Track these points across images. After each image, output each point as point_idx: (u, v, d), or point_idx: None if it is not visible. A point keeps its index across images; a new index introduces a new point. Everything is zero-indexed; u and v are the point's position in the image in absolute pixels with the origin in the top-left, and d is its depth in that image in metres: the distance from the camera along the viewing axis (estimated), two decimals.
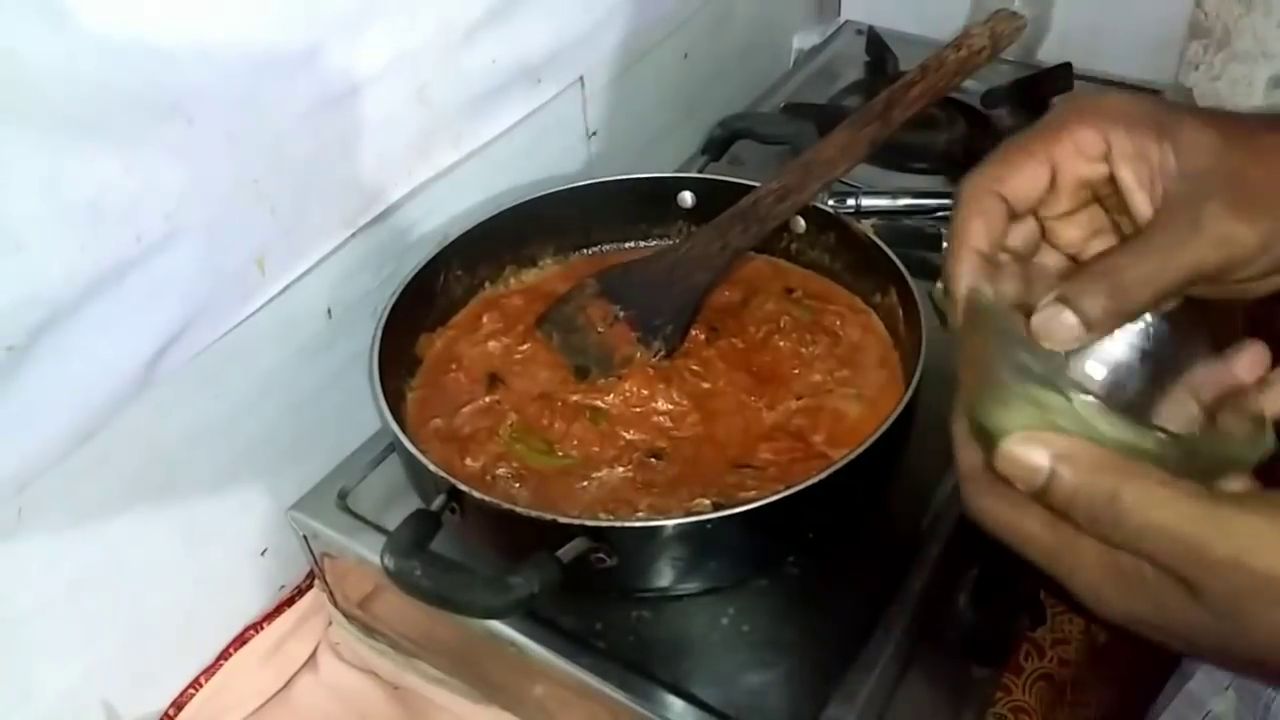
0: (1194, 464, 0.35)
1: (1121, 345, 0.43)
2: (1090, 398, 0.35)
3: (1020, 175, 0.42)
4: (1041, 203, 0.42)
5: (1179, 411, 0.41)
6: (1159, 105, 0.40)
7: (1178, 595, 0.33)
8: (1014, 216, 0.42)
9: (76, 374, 0.52)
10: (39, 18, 0.44)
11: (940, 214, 0.84)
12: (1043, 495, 0.35)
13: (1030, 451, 0.35)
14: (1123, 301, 0.39)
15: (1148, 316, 0.41)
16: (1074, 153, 0.41)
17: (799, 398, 0.66)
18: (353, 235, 0.66)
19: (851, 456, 0.54)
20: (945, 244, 0.43)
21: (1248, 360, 0.40)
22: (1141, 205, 0.40)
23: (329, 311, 0.67)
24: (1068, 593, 0.36)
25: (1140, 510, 0.33)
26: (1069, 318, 0.39)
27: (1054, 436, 0.35)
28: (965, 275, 0.41)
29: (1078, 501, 0.34)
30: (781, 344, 0.69)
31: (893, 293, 0.69)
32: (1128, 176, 0.40)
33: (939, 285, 0.45)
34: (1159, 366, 0.42)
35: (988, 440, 0.38)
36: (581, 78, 0.81)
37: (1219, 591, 0.32)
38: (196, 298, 0.57)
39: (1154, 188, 0.40)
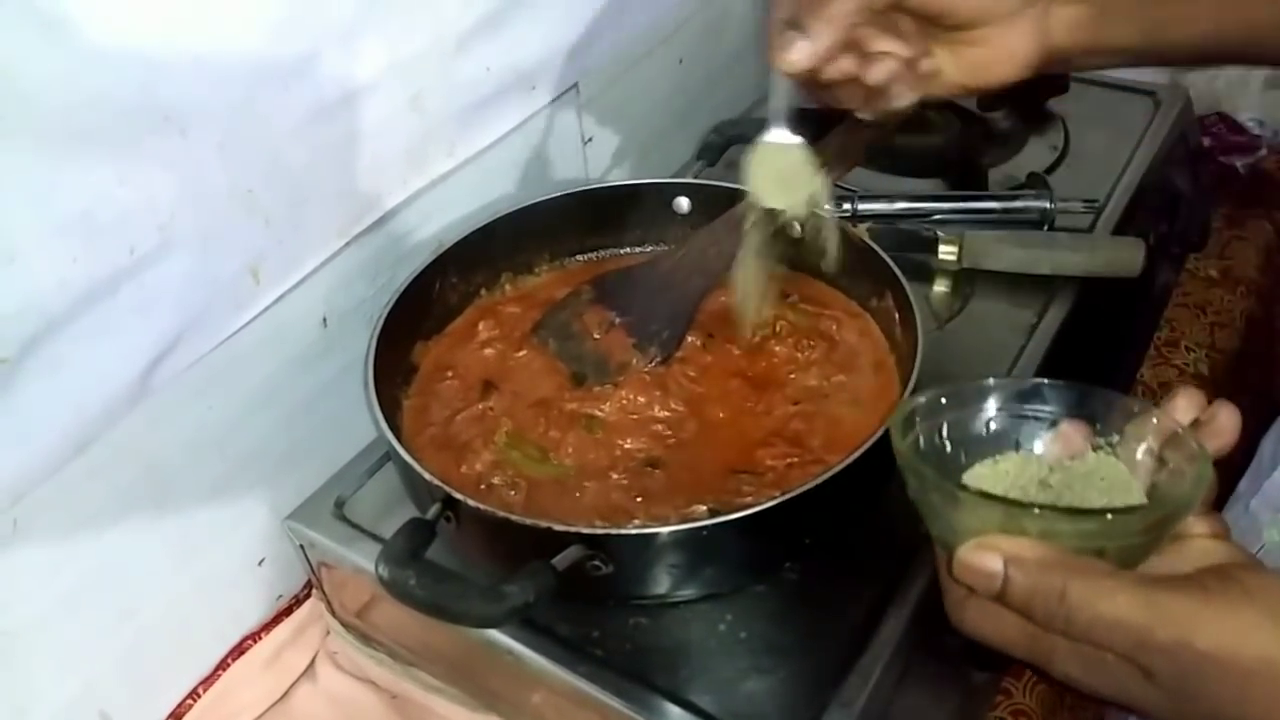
0: (1152, 517, 0.39)
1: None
2: (1035, 509, 0.39)
3: None
4: None
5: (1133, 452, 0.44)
6: None
7: (1135, 677, 0.36)
8: None
9: (70, 386, 0.52)
10: (33, 29, 0.44)
11: (937, 218, 0.84)
12: (1002, 598, 0.38)
13: (982, 557, 0.38)
14: None
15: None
16: None
17: (796, 403, 0.66)
18: (347, 244, 0.66)
19: (848, 461, 0.54)
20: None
21: (1183, 403, 0.43)
22: None
23: (324, 320, 0.67)
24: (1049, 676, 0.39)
25: (1088, 605, 0.36)
26: (791, 35, 0.48)
27: (1002, 539, 0.38)
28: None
29: (1034, 602, 0.37)
30: (778, 349, 0.69)
31: (889, 296, 0.69)
32: None
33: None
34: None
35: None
36: (576, 85, 0.81)
37: (1168, 672, 0.35)
38: (190, 308, 0.57)
39: None
